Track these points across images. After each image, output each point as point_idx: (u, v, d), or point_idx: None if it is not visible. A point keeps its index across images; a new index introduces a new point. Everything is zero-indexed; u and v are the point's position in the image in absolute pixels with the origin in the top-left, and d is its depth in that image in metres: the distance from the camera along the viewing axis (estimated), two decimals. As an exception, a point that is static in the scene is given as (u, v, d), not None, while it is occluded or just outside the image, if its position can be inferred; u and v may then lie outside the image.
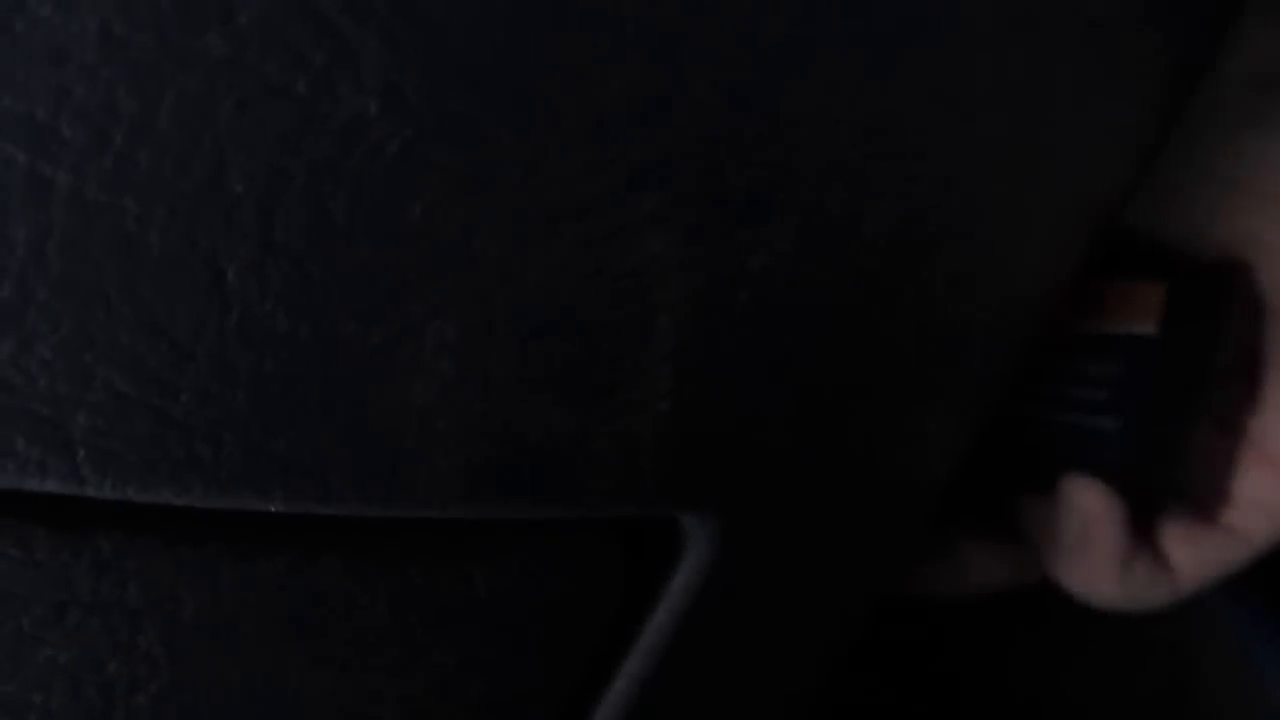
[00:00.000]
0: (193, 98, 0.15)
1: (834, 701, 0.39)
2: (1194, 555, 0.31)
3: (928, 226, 0.22)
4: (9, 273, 0.15)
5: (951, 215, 0.23)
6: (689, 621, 0.24)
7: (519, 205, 0.18)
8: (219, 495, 0.17)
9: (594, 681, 0.25)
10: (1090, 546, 0.30)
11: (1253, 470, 0.31)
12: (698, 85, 0.18)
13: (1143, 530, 0.31)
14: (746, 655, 0.28)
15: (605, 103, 0.17)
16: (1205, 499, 0.31)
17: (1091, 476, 0.30)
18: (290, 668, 0.20)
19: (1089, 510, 0.30)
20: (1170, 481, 0.29)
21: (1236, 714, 0.41)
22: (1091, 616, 0.33)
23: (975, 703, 0.43)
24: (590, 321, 0.19)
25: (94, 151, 0.15)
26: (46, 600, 0.18)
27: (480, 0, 0.16)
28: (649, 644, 0.24)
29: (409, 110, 0.16)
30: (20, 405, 0.16)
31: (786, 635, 0.29)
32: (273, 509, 0.18)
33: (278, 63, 0.15)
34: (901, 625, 0.40)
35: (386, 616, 0.20)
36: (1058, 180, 0.24)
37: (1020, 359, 0.28)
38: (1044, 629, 0.43)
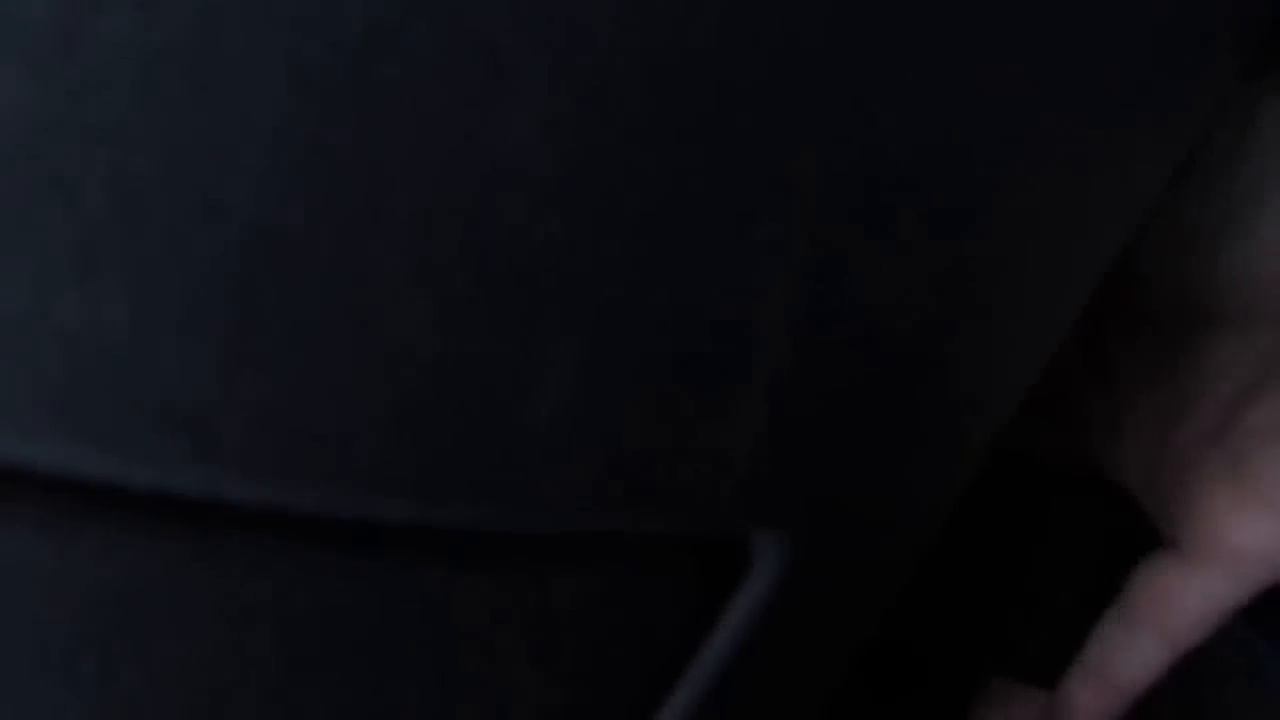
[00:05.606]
0: (367, 130, 0.15)
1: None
2: None
3: (999, 261, 0.23)
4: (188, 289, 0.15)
5: (1023, 244, 0.23)
6: (750, 633, 0.25)
7: (650, 231, 0.18)
8: (349, 504, 0.18)
9: (656, 692, 0.25)
10: None
11: None
12: (826, 120, 0.18)
13: None
14: (793, 663, 0.28)
15: (737, 130, 0.18)
16: None
17: None
18: (384, 673, 0.20)
19: None
20: None
21: (1244, 715, 0.42)
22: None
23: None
24: (697, 345, 0.20)
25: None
26: (168, 597, 0.18)
27: (631, 40, 0.16)
28: (712, 655, 0.25)
29: (559, 141, 0.17)
30: (175, 409, 0.16)
31: (829, 644, 0.29)
32: (395, 518, 0.18)
33: (446, 95, 0.16)
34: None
35: (475, 626, 0.21)
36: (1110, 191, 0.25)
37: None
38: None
